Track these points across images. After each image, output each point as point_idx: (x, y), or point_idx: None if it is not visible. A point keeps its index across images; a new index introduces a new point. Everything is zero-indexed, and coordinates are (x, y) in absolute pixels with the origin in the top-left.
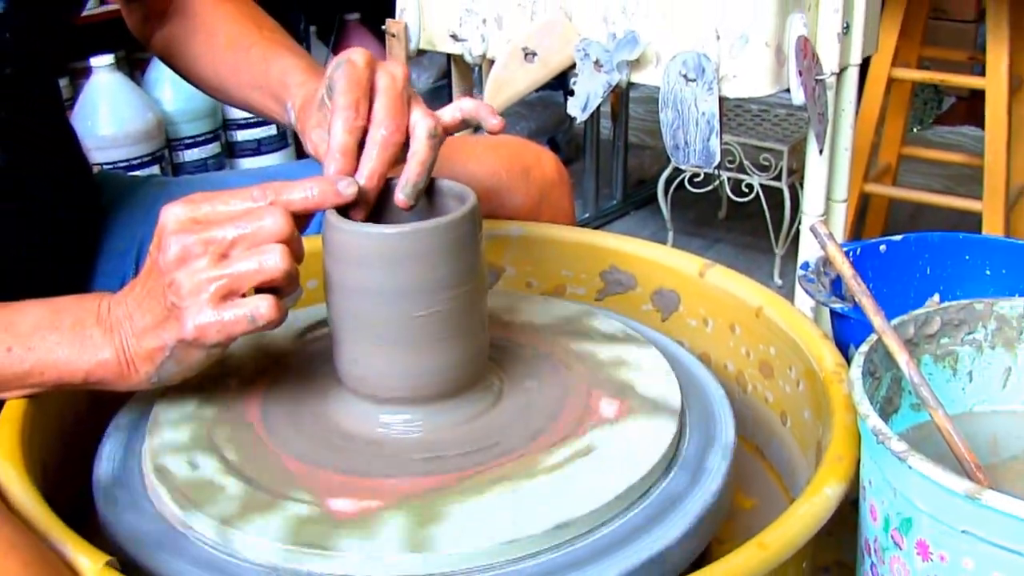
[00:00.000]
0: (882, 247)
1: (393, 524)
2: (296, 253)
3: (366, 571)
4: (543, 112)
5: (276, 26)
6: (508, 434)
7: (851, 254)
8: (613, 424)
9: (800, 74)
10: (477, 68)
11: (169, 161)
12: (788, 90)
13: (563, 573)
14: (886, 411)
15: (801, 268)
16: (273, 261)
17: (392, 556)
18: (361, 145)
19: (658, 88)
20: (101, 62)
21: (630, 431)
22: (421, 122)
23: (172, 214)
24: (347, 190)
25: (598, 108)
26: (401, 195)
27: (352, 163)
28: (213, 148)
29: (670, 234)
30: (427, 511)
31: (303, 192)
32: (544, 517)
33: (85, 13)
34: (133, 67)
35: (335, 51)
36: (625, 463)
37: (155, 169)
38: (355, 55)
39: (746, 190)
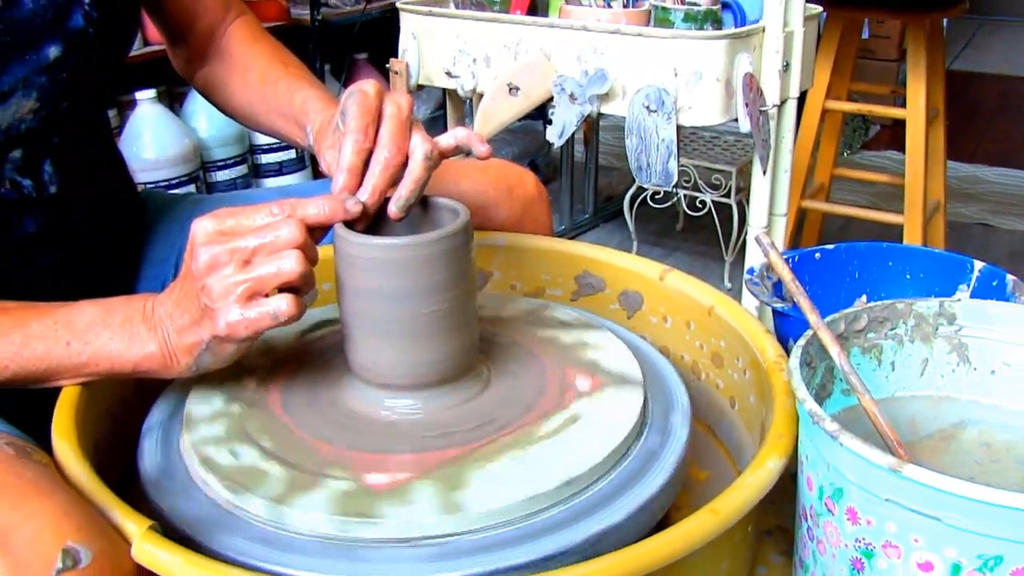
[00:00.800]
0: (817, 255)
1: (424, 492)
2: (310, 258)
3: (408, 533)
4: (525, 138)
5: (300, 63)
6: (501, 412)
7: (790, 261)
8: (591, 395)
9: (746, 106)
10: (468, 101)
11: (203, 181)
12: (736, 119)
13: (575, 521)
14: (820, 396)
15: (747, 273)
16: (289, 265)
17: (429, 518)
18: (366, 163)
19: (624, 118)
20: (145, 95)
21: (606, 400)
22: (419, 146)
23: (202, 227)
24: (353, 208)
25: (572, 135)
26: (394, 207)
27: (357, 180)
28: (241, 170)
29: (634, 243)
30: (452, 479)
31: (315, 208)
32: (551, 476)
33: (131, 54)
34: (172, 100)
35: (346, 86)
36: (608, 426)
37: (191, 188)
38: (366, 86)
39: (700, 206)
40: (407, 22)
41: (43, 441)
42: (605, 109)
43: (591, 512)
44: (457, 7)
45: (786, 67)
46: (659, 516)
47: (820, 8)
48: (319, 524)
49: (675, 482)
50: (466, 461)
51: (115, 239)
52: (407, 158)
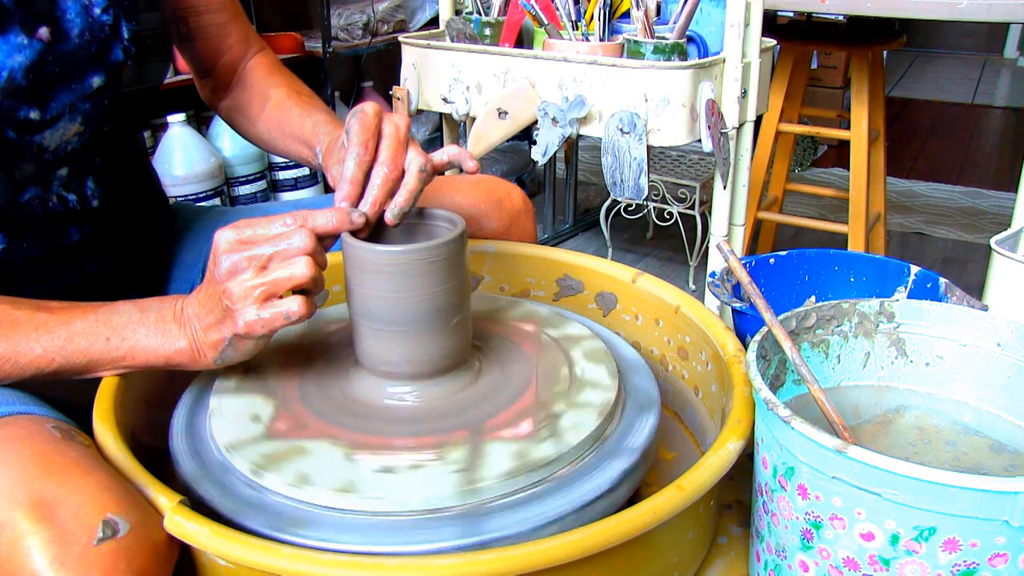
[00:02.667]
0: (771, 260)
1: (427, 470)
2: (320, 263)
3: (419, 506)
4: (513, 157)
5: (311, 92)
6: (491, 399)
7: (748, 265)
8: (571, 383)
9: (709, 128)
10: (462, 124)
11: (227, 195)
12: (700, 140)
13: (582, 475)
14: (774, 385)
15: (709, 276)
16: (301, 270)
17: (440, 492)
18: (368, 175)
19: (601, 139)
20: (175, 119)
21: (585, 387)
22: (415, 160)
23: (223, 237)
24: (358, 219)
25: (555, 154)
26: (389, 215)
27: (359, 190)
28: (260, 185)
29: (609, 250)
30: (450, 458)
31: (324, 219)
32: (545, 450)
33: (163, 82)
34: (200, 123)
35: None
36: (587, 409)
37: (216, 201)
38: (367, 107)
39: (667, 217)
40: (408, 54)
41: (85, 425)
42: (583, 131)
43: (578, 480)
44: (452, 40)
45: (744, 94)
46: (634, 488)
47: (774, 41)
48: (332, 498)
49: (645, 461)
50: (461, 442)
51: (149, 247)
52: (403, 172)
